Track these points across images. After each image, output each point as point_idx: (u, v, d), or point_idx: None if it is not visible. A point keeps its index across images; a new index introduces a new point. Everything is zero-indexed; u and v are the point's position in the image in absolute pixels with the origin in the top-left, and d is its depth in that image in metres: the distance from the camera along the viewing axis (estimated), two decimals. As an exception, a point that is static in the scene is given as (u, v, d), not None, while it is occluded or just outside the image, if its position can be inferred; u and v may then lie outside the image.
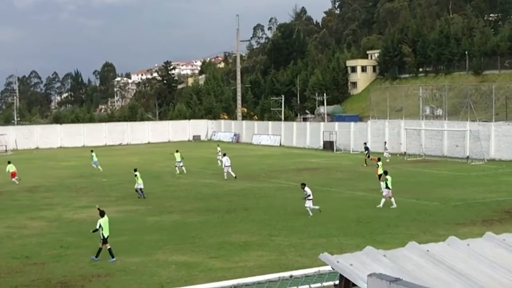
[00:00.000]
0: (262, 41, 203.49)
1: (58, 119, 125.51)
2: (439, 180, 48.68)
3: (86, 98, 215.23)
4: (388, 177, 36.83)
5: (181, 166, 56.07)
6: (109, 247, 25.09)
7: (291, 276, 8.73)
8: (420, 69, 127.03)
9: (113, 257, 24.86)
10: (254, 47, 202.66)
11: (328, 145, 79.32)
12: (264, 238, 28.35)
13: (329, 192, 42.53)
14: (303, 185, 34.65)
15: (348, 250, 21.66)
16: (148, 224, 32.75)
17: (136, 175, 42.63)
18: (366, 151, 62.53)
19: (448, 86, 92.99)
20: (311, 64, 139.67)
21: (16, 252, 26.62)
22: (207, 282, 12.91)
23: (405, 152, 67.50)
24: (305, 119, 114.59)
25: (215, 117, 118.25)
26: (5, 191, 46.47)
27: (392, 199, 35.87)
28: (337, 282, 6.73)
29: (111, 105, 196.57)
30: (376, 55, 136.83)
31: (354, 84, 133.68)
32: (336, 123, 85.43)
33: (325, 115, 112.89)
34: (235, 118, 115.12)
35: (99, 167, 58.03)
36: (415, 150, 68.04)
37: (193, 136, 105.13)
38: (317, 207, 34.03)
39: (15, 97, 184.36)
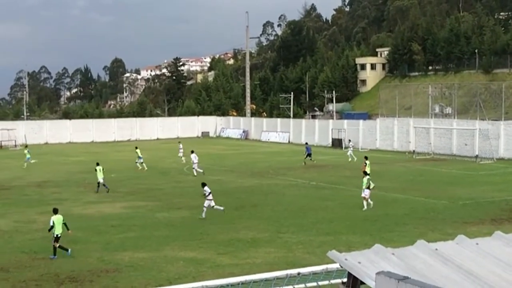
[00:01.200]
0: (272, 38, 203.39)
1: (67, 115, 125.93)
2: (448, 178, 48.59)
3: (96, 94, 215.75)
4: (367, 177, 35.78)
5: (142, 162, 56.01)
6: (58, 245, 25.08)
7: (298, 273, 8.72)
8: (430, 67, 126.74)
9: (55, 255, 24.88)
10: (264, 44, 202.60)
11: (337, 143, 79.29)
12: (272, 235, 28.37)
13: (337, 189, 42.52)
14: (203, 184, 34.42)
15: (356, 248, 21.66)
16: (157, 220, 32.81)
17: (96, 169, 43.87)
18: (307, 151, 60.82)
19: (458, 84, 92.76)
20: (320, 62, 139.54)
21: (25, 247, 26.72)
22: (215, 278, 12.93)
23: (414, 151, 67.41)
24: (314, 117, 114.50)
25: (224, 113, 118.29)
26: (14, 186, 46.62)
27: (365, 202, 34.70)
28: (345, 280, 6.72)
29: (120, 101, 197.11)
30: (386, 52, 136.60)
31: (363, 81, 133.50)
32: (345, 121, 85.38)
33: (334, 113, 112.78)
34: (244, 115, 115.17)
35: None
36: (424, 148, 67.95)
37: (202, 133, 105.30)
38: (221, 208, 33.42)
39: (24, 92, 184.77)
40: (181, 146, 63.31)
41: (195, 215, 33.76)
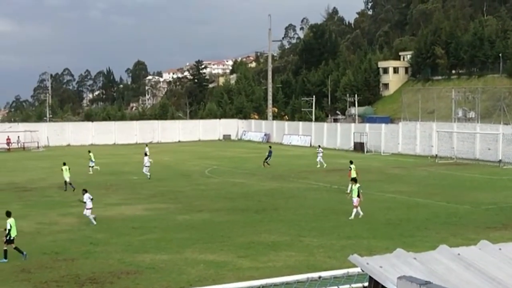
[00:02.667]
0: (294, 41, 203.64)
1: (89, 117, 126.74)
2: (470, 183, 48.27)
3: (118, 96, 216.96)
4: (357, 185, 34.47)
5: (93, 166, 56.34)
6: (5, 248, 25.08)
7: (319, 277, 8.68)
8: (453, 71, 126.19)
9: (5, 258, 24.88)
10: (286, 47, 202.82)
11: (359, 146, 79.05)
12: (293, 238, 28.30)
13: (359, 193, 42.31)
14: (84, 191, 33.34)
15: (377, 252, 21.55)
16: (178, 222, 32.85)
17: (62, 169, 45.80)
18: (268, 155, 60.42)
19: (481, 88, 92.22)
20: (342, 65, 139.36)
21: (47, 248, 26.84)
22: (235, 281, 12.89)
23: (436, 155, 67.05)
24: (335, 120, 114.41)
25: (246, 116, 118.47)
26: (36, 188, 46.90)
27: (354, 210, 33.45)
28: (366, 284, 6.68)
29: (142, 104, 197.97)
30: (409, 56, 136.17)
31: (386, 85, 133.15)
32: (367, 125, 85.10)
33: (356, 116, 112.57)
34: (265, 118, 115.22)
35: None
36: (447, 152, 67.55)
37: (224, 136, 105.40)
38: (92, 217, 32.42)
39: (47, 94, 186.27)
40: (147, 149, 63.09)
41: (216, 218, 33.78)
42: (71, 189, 44.11)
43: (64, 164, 46.43)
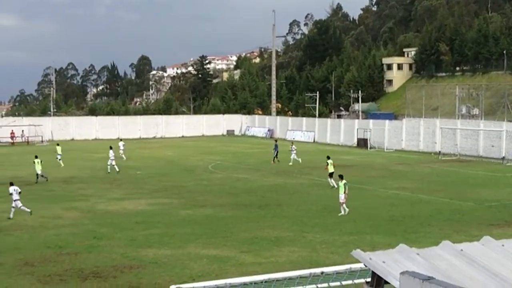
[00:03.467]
0: (298, 37, 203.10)
1: (93, 111, 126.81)
2: (473, 180, 48.24)
3: (122, 91, 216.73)
4: (344, 181, 33.71)
5: (59, 159, 57.76)
6: None
7: (322, 273, 8.70)
8: (457, 68, 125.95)
9: None
10: (290, 43, 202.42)
11: (362, 143, 79.02)
12: (296, 234, 28.32)
13: (362, 189, 42.34)
14: (11, 184, 33.97)
15: (380, 248, 21.55)
16: (181, 217, 32.88)
17: (34, 162, 47.43)
18: (275, 149, 60.60)
19: (485, 85, 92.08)
20: (346, 61, 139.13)
21: (50, 242, 26.90)
22: (238, 276, 12.92)
23: (439, 151, 66.97)
24: (339, 116, 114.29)
25: (250, 112, 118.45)
26: (40, 182, 46.97)
27: (343, 206, 33.14)
28: (368, 279, 6.69)
29: (146, 98, 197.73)
30: (413, 53, 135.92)
31: (390, 81, 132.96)
32: (371, 121, 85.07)
33: (360, 112, 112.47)
34: (269, 114, 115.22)
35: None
36: (450, 149, 67.49)
37: (227, 131, 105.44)
38: (28, 209, 32.85)
39: (52, 89, 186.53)
40: (121, 143, 64.58)
41: (219, 213, 33.82)
42: (44, 180, 46.52)
43: (36, 157, 47.87)
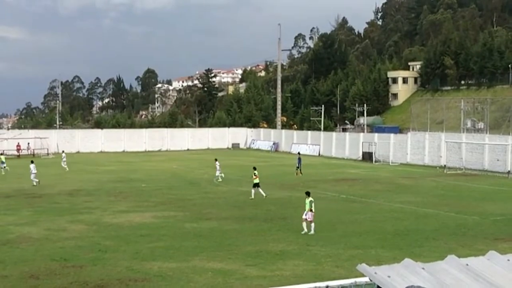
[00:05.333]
0: (303, 50, 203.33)
1: (99, 124, 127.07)
2: (479, 194, 48.16)
3: (127, 104, 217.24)
4: (310, 198, 32.48)
5: (4, 167, 62.68)
6: None
7: (327, 286, 8.72)
8: (462, 82, 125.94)
9: None
10: (295, 56, 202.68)
11: (367, 156, 78.99)
12: (301, 247, 28.28)
13: (367, 203, 42.30)
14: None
15: (385, 262, 21.52)
16: (186, 230, 32.86)
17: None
18: (298, 162, 61.74)
19: (490, 99, 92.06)
20: (351, 75, 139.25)
21: (55, 255, 26.90)
22: (243, 289, 12.95)
23: (445, 165, 66.91)
24: (344, 130, 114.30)
25: (255, 125, 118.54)
26: (45, 194, 47.01)
27: (304, 224, 31.79)
28: (374, 293, 6.69)
29: (152, 111, 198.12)
30: (418, 66, 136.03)
31: (395, 95, 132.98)
32: (376, 134, 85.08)
33: (365, 126, 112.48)
34: (274, 127, 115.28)
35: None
36: (455, 163, 67.40)
37: (232, 144, 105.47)
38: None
39: (57, 101, 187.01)
40: (64, 155, 67.59)
41: (224, 226, 33.79)
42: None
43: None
